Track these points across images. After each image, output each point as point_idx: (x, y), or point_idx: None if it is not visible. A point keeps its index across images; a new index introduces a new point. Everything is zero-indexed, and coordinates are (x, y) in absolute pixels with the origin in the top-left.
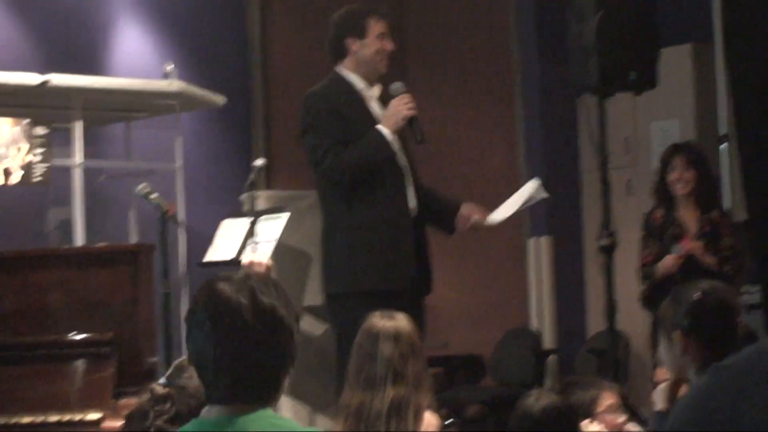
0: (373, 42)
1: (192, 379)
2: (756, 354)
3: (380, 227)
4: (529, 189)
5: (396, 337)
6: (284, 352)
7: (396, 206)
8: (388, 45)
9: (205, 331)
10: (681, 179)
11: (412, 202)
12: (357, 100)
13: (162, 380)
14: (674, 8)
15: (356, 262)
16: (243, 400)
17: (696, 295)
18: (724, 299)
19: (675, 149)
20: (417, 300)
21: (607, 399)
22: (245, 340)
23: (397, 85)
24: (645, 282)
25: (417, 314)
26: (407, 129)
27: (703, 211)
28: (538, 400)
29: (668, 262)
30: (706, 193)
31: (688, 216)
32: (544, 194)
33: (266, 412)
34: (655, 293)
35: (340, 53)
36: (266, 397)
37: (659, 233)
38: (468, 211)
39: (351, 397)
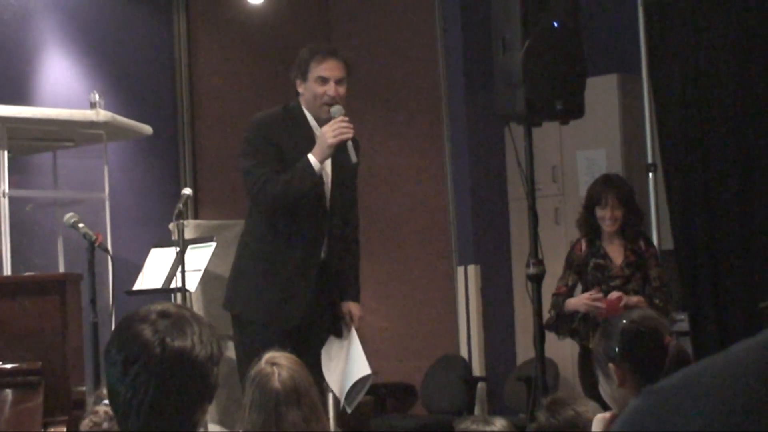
0: (311, 86)
1: None
2: (688, 374)
3: (284, 264)
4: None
5: (298, 399)
6: (198, 393)
7: (308, 248)
8: (329, 90)
9: (118, 371)
10: (611, 217)
11: (323, 251)
12: (304, 132)
13: (107, 401)
14: (601, 38)
15: (251, 292)
16: None
17: (624, 324)
18: (651, 325)
19: (606, 185)
20: (317, 336)
21: None
22: (156, 385)
23: (335, 109)
24: (552, 311)
25: (315, 351)
26: (343, 157)
27: (629, 241)
28: (491, 425)
29: (579, 303)
30: (632, 227)
31: (614, 246)
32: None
33: None
34: (560, 322)
35: (295, 91)
36: None
37: (581, 265)
38: (350, 312)
39: None
